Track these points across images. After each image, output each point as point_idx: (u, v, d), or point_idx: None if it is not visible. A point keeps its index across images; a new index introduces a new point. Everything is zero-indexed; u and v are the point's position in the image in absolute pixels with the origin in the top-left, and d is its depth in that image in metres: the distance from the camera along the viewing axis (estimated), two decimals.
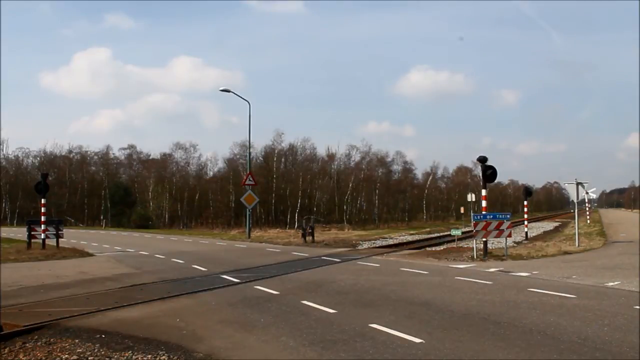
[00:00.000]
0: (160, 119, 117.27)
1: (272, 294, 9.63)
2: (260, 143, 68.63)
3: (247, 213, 31.31)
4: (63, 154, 64.89)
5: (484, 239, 16.16)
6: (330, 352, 5.69)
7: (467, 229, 24.99)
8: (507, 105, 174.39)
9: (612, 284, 10.24)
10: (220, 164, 66.84)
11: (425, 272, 12.65)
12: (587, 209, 49.43)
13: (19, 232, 30.04)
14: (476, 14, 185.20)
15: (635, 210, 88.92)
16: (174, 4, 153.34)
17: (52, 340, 6.42)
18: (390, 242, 30.01)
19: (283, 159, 62.87)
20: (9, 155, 62.20)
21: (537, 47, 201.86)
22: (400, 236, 35.70)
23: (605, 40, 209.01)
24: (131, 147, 68.31)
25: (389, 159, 71.03)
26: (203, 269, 13.92)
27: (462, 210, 43.71)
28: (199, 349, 5.94)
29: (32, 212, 49.38)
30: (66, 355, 5.81)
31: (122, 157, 68.27)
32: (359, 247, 23.59)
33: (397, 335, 6.26)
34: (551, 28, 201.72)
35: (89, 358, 5.72)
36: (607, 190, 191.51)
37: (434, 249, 23.59)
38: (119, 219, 55.81)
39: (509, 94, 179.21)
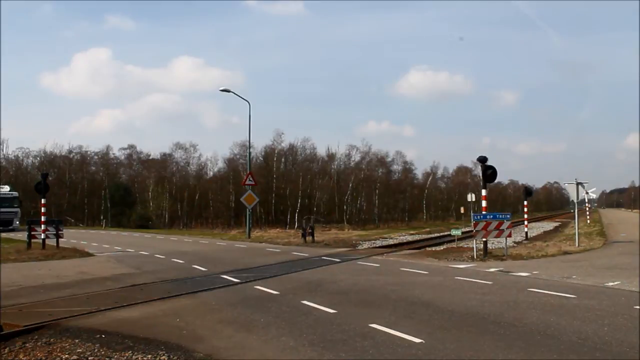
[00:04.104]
0: (161, 119, 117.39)
1: (272, 294, 9.63)
2: (260, 143, 68.87)
3: (247, 213, 31.30)
4: (63, 154, 64.73)
5: (484, 239, 16.16)
6: (331, 352, 5.69)
7: (467, 229, 25.01)
8: (507, 105, 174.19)
9: (612, 284, 10.24)
10: (220, 164, 66.90)
11: (425, 272, 12.65)
12: (587, 209, 49.41)
13: (19, 232, 30.05)
14: (476, 14, 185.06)
15: (635, 210, 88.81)
16: (174, 4, 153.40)
17: (52, 340, 6.42)
18: (390, 242, 29.97)
19: (283, 159, 62.84)
20: (9, 155, 62.18)
21: (537, 47, 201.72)
22: (400, 236, 35.66)
23: (605, 40, 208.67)
24: (131, 147, 68.27)
25: (389, 159, 71.07)
26: (203, 269, 13.91)
27: (462, 210, 43.78)
28: (199, 349, 5.94)
29: (32, 212, 49.35)
30: (66, 355, 5.81)
31: (122, 157, 68.22)
32: (359, 247, 23.58)
33: (397, 335, 6.26)
34: (550, 28, 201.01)
35: (89, 358, 5.73)
36: (607, 190, 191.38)
37: (434, 249, 23.58)
38: (119, 219, 55.74)
39: (508, 94, 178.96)
